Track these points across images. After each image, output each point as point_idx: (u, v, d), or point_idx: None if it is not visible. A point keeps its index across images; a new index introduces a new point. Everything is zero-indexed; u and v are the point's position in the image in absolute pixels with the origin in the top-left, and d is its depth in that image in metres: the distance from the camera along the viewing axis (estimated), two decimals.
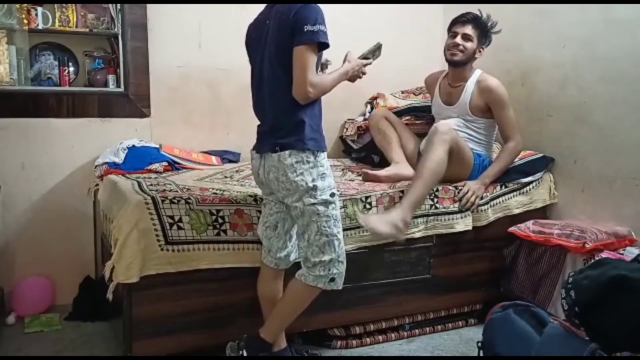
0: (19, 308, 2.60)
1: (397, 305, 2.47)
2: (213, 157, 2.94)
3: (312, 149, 1.86)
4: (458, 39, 2.60)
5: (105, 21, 2.86)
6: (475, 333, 2.49)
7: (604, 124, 2.54)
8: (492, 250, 2.65)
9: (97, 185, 2.65)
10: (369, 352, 2.38)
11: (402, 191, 2.43)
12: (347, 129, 3.23)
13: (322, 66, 2.03)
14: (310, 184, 1.86)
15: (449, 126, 2.49)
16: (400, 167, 2.67)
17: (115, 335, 2.37)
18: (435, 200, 2.47)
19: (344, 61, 2.00)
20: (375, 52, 2.08)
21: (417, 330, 2.54)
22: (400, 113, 3.20)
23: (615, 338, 1.60)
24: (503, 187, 2.65)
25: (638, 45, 2.39)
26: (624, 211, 2.45)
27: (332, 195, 1.91)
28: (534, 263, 2.49)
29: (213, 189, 2.31)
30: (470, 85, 2.64)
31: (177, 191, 2.19)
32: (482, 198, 2.55)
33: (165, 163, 2.68)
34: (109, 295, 2.01)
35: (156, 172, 2.61)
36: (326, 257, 1.91)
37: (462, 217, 2.51)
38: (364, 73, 2.04)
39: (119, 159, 2.63)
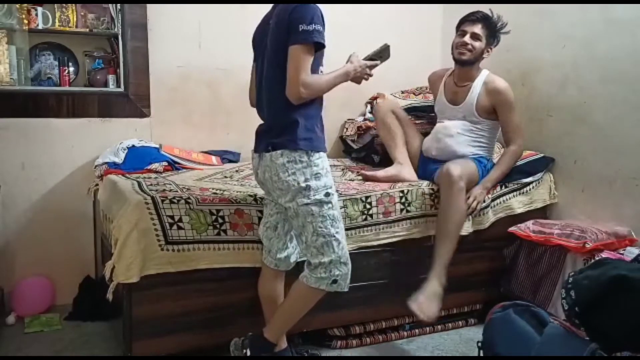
0: (19, 308, 2.60)
1: (397, 305, 2.47)
2: (213, 157, 2.94)
3: (305, 149, 1.84)
4: (467, 38, 2.55)
5: (105, 21, 2.86)
6: (475, 333, 2.49)
7: (604, 124, 2.54)
8: (492, 250, 2.64)
9: (97, 185, 2.65)
10: (369, 352, 2.38)
11: (402, 191, 2.43)
12: (347, 129, 3.23)
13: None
14: (303, 184, 1.84)
15: (459, 167, 2.42)
16: (402, 169, 2.62)
17: (115, 335, 2.36)
18: (436, 201, 2.47)
19: (347, 62, 1.97)
20: (381, 53, 2.02)
21: (417, 330, 2.54)
22: None
23: (615, 338, 1.60)
24: (503, 188, 2.64)
25: (638, 45, 2.39)
26: (624, 211, 2.45)
27: (327, 195, 1.87)
28: (534, 263, 2.49)
29: (213, 188, 2.31)
30: (477, 86, 2.61)
31: (177, 191, 2.19)
32: (484, 201, 2.54)
33: (165, 163, 2.68)
34: (109, 295, 2.01)
35: (156, 172, 2.61)
36: (326, 259, 1.88)
37: None
38: (370, 75, 2.01)
39: (119, 159, 2.63)
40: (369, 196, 2.36)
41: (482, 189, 2.53)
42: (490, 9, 2.59)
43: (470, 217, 2.51)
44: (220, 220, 2.10)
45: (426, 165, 2.68)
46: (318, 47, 1.81)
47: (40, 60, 2.83)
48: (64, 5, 2.76)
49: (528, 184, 2.70)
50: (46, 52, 2.84)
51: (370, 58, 2.01)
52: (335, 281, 1.90)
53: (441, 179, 2.45)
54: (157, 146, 2.79)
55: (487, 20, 2.57)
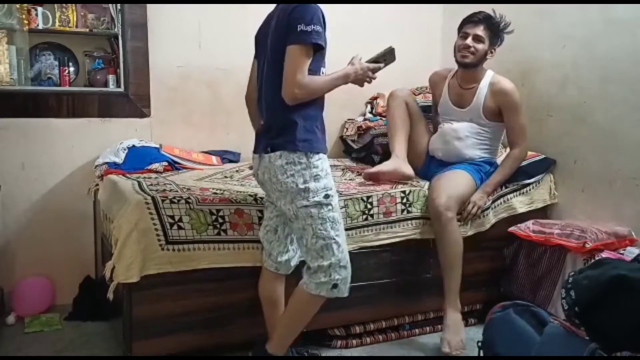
0: (19, 308, 2.60)
1: (397, 305, 2.47)
2: (213, 157, 2.94)
3: (304, 150, 1.82)
4: (469, 41, 2.50)
5: (105, 21, 2.86)
6: (475, 333, 2.48)
7: (604, 124, 2.54)
8: (492, 250, 2.64)
9: (97, 185, 2.65)
10: (369, 352, 2.38)
11: (403, 191, 2.43)
12: (347, 129, 3.24)
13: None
14: (302, 186, 1.82)
15: (446, 192, 2.38)
16: (399, 162, 2.55)
17: (115, 335, 2.36)
18: None
19: (349, 64, 1.94)
20: (385, 56, 1.99)
21: (417, 330, 2.54)
22: None
23: (615, 338, 1.60)
24: (503, 188, 2.64)
25: (638, 45, 2.39)
26: (624, 211, 2.45)
27: (327, 197, 1.85)
28: (534, 263, 2.49)
29: (213, 188, 2.31)
30: (483, 88, 2.56)
31: (177, 191, 2.19)
32: (485, 204, 2.53)
33: (165, 163, 2.68)
34: (110, 295, 2.02)
35: (156, 172, 2.61)
36: (325, 262, 1.86)
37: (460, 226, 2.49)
38: (373, 78, 1.96)
39: (119, 159, 2.63)
40: (370, 196, 2.36)
41: (482, 194, 2.51)
42: (493, 9, 2.55)
43: (469, 220, 2.51)
44: (221, 220, 2.10)
45: (430, 166, 2.67)
46: (317, 48, 1.79)
47: (40, 60, 2.83)
48: (64, 5, 2.76)
49: (528, 184, 2.70)
50: (46, 52, 2.84)
51: (374, 61, 1.97)
52: (335, 285, 1.87)
53: (430, 210, 2.41)
54: (157, 146, 2.79)
55: (489, 21, 2.51)
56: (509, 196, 2.66)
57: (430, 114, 2.88)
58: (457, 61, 2.58)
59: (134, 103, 2.88)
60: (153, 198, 2.03)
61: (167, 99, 2.95)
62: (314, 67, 1.80)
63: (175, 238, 2.02)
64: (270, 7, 1.97)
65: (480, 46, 2.51)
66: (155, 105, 2.93)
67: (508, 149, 2.67)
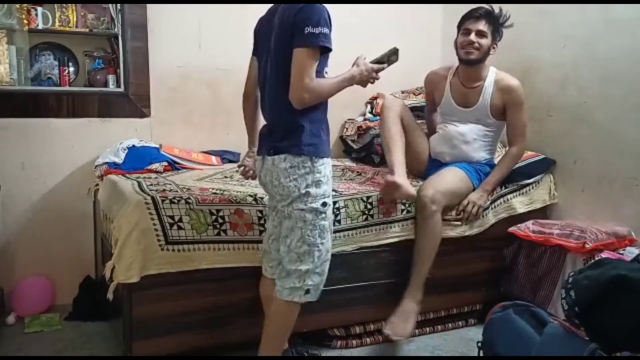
0: (19, 308, 2.60)
1: (397, 305, 2.47)
2: (213, 157, 2.94)
3: (309, 155, 1.80)
4: (472, 37, 2.44)
5: (105, 21, 2.86)
6: (475, 333, 2.49)
7: (604, 124, 2.54)
8: (492, 250, 2.64)
9: (97, 185, 2.65)
10: (369, 352, 2.38)
11: None
12: (347, 129, 3.24)
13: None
14: (303, 190, 1.80)
15: (435, 187, 2.37)
16: (406, 181, 2.33)
17: (115, 335, 2.36)
18: None
19: (353, 65, 1.91)
20: (390, 56, 1.98)
21: (417, 330, 2.53)
22: None
23: (615, 338, 1.60)
24: (503, 188, 2.64)
25: (638, 45, 2.39)
26: (624, 211, 2.45)
27: (324, 204, 1.84)
28: (534, 263, 2.49)
29: (213, 188, 2.31)
30: (488, 86, 2.53)
31: (177, 191, 2.19)
32: (485, 203, 2.52)
33: (165, 163, 2.68)
34: (110, 295, 2.02)
35: (156, 172, 2.62)
36: (303, 267, 1.85)
37: (455, 226, 2.49)
38: (376, 78, 1.94)
39: (119, 159, 2.63)
40: (370, 196, 2.36)
41: (481, 192, 2.51)
42: (490, 6, 2.53)
43: (470, 220, 2.50)
44: (220, 220, 2.10)
45: (432, 169, 2.63)
46: (324, 51, 1.76)
47: (40, 60, 2.83)
48: (64, 5, 2.77)
49: (528, 184, 2.69)
50: (46, 52, 2.84)
51: (378, 61, 1.96)
52: (307, 291, 1.87)
53: (416, 201, 2.38)
54: (157, 146, 2.79)
55: (490, 16, 2.47)
56: (508, 196, 2.66)
57: (422, 114, 2.86)
58: (460, 59, 2.52)
59: (134, 103, 2.88)
60: (153, 198, 2.03)
61: (167, 99, 2.95)
62: (317, 69, 1.77)
63: (175, 238, 2.02)
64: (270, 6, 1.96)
65: (483, 41, 2.46)
66: (155, 105, 2.93)
67: (507, 148, 2.66)
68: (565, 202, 2.73)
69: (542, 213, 2.74)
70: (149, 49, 2.87)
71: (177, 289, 2.07)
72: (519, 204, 2.68)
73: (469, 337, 2.49)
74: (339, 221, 2.28)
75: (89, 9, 2.83)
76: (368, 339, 2.43)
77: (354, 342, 2.41)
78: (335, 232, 2.27)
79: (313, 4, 1.74)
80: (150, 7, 2.85)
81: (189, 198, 2.08)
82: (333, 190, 2.26)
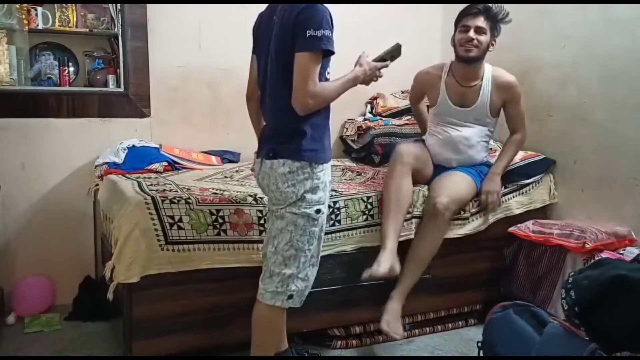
0: (19, 308, 2.60)
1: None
2: (213, 157, 2.94)
3: (309, 161, 1.76)
4: (471, 33, 2.39)
5: (105, 21, 2.86)
6: (475, 333, 2.49)
7: (604, 124, 2.54)
8: (492, 250, 2.64)
9: (97, 185, 2.65)
10: (369, 352, 2.38)
11: None
12: (347, 129, 3.24)
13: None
14: (299, 195, 1.77)
15: (448, 195, 2.35)
16: (393, 259, 2.23)
17: (115, 335, 2.37)
18: None
19: (356, 64, 1.87)
20: (392, 52, 1.94)
21: (417, 330, 2.54)
22: (400, 113, 3.20)
23: (615, 338, 1.60)
24: (502, 188, 2.64)
25: (638, 45, 2.39)
26: (624, 211, 2.45)
27: (318, 211, 1.80)
28: (534, 263, 2.49)
29: (213, 188, 2.31)
30: (486, 84, 2.50)
31: (177, 191, 2.19)
32: (500, 187, 2.53)
33: (165, 163, 2.68)
34: (110, 295, 2.02)
35: (156, 172, 2.62)
36: (287, 271, 1.81)
37: (460, 226, 2.50)
38: (379, 76, 1.90)
39: (119, 159, 2.63)
40: (370, 196, 2.36)
41: (493, 178, 2.51)
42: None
43: (469, 221, 2.51)
44: (220, 221, 2.10)
45: (439, 171, 2.59)
46: (326, 54, 1.71)
47: (40, 60, 2.83)
48: (64, 5, 2.76)
49: (527, 184, 2.69)
50: (46, 52, 2.84)
51: (381, 58, 1.92)
52: (290, 297, 1.83)
53: (427, 207, 2.38)
54: (157, 146, 2.79)
55: (488, 12, 2.42)
56: (508, 196, 2.65)
57: (412, 114, 2.85)
58: (459, 56, 2.47)
59: (134, 103, 2.88)
60: (153, 198, 2.03)
61: (167, 99, 2.95)
62: (320, 70, 1.71)
63: (175, 238, 2.02)
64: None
65: (483, 38, 2.41)
66: (155, 105, 2.93)
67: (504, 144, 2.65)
68: (565, 202, 2.73)
69: (542, 213, 2.74)
70: (149, 49, 2.87)
71: (177, 289, 2.07)
72: (519, 204, 2.68)
73: (469, 337, 2.49)
74: (339, 221, 2.28)
75: (89, 9, 2.83)
76: (368, 339, 2.43)
77: (354, 342, 2.41)
78: (335, 232, 2.27)
79: (314, 4, 1.68)
80: (150, 7, 2.85)
81: (189, 198, 2.08)
82: (333, 190, 2.26)
